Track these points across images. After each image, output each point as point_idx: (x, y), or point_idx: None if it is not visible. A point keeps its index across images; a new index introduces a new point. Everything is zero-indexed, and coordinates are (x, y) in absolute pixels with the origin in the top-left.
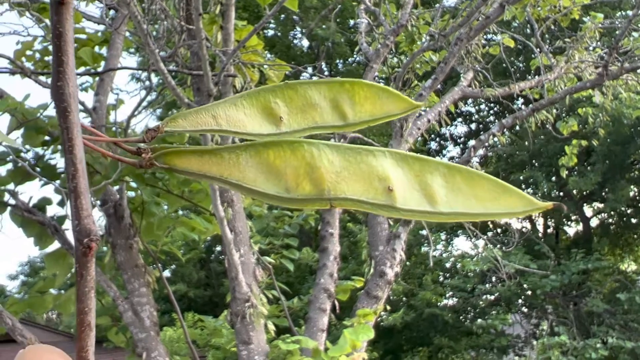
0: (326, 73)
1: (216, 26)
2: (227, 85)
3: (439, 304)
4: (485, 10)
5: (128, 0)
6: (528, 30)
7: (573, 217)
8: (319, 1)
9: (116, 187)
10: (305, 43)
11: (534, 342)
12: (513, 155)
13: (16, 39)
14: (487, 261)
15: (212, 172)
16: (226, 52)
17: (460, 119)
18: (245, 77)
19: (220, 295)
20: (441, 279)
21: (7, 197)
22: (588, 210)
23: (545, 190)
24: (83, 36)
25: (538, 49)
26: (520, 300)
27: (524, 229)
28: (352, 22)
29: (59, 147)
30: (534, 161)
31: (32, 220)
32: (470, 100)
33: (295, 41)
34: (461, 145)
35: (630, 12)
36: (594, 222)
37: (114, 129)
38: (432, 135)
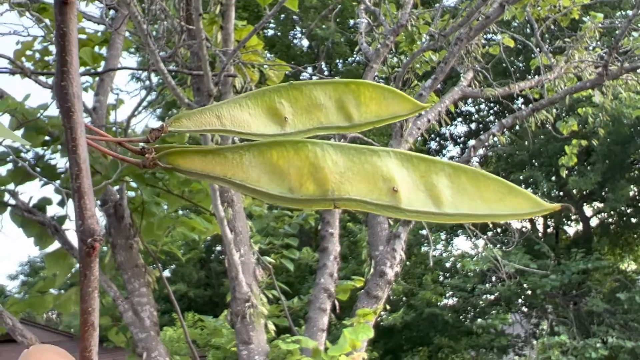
0: (326, 73)
1: (216, 26)
2: (227, 85)
3: (439, 303)
4: (485, 10)
5: (128, 1)
6: (528, 30)
7: (573, 217)
8: (319, 1)
9: (116, 187)
10: (305, 43)
11: (534, 342)
12: (513, 155)
13: (16, 39)
14: (487, 261)
15: (215, 172)
16: (226, 52)
17: (460, 119)
18: (245, 77)
19: (220, 295)
20: (441, 278)
21: (7, 197)
22: (588, 210)
23: (545, 190)
24: (83, 36)
25: (538, 49)
26: (520, 300)
27: (523, 229)
28: (352, 22)
29: (59, 147)
30: (533, 161)
31: (32, 220)
32: (470, 100)
33: (295, 41)
34: (461, 145)
35: (630, 12)
36: (594, 222)
37: (114, 129)
38: (432, 135)
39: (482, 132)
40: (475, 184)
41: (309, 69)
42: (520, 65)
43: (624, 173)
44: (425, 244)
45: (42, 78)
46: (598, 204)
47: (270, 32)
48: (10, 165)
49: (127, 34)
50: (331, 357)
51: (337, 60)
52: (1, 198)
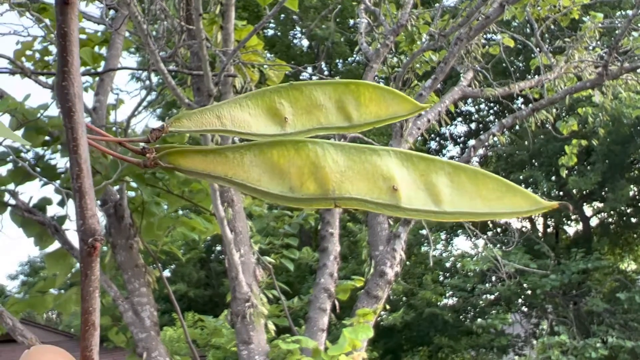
0: (326, 73)
1: (216, 26)
2: (227, 85)
3: (439, 303)
4: (485, 10)
5: (128, 1)
6: (528, 30)
7: (573, 217)
8: (319, 1)
9: (116, 187)
10: (305, 43)
11: (534, 342)
12: (513, 155)
13: (16, 39)
14: (487, 261)
15: (216, 171)
16: (226, 52)
17: (460, 119)
18: (245, 77)
19: (220, 294)
20: (441, 278)
21: (7, 197)
22: (588, 210)
23: (545, 189)
24: (83, 36)
25: (538, 49)
26: (520, 300)
27: (523, 229)
28: (352, 21)
29: (59, 147)
30: (533, 161)
31: (33, 220)
32: (470, 100)
33: (295, 41)
34: (461, 145)
35: (630, 12)
36: (594, 222)
37: (114, 129)
38: (432, 135)
39: (482, 132)
40: (474, 182)
41: (309, 69)
42: (520, 65)
43: (624, 173)
44: (425, 244)
45: (42, 78)
46: (598, 204)
47: (270, 32)
48: (10, 165)
49: (127, 34)
50: (331, 356)
51: (337, 60)
52: (1, 198)
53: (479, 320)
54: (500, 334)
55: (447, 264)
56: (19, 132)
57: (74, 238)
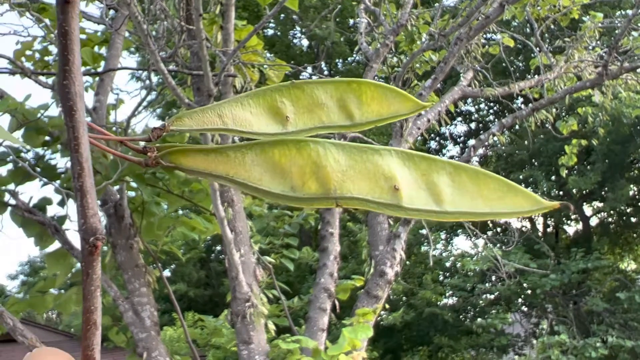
0: (326, 73)
1: (216, 26)
2: (227, 85)
3: (439, 303)
4: (485, 9)
5: (128, 1)
6: (528, 30)
7: (573, 216)
8: (319, 1)
9: (116, 187)
10: (305, 42)
11: (534, 341)
12: (513, 155)
13: (16, 39)
14: (487, 260)
15: (218, 170)
16: (226, 52)
17: (460, 119)
18: (245, 77)
19: (220, 294)
20: (441, 278)
21: (7, 197)
22: (588, 210)
23: (545, 189)
24: (83, 36)
25: (538, 49)
26: (520, 300)
27: (523, 228)
28: (351, 21)
29: (59, 147)
30: (533, 160)
31: (33, 220)
32: (469, 100)
33: (295, 41)
34: (461, 145)
35: (629, 12)
36: (594, 221)
37: (114, 128)
38: (432, 135)
39: (482, 132)
40: (475, 182)
41: (309, 69)
42: (520, 64)
43: (624, 172)
44: (425, 244)
45: (42, 78)
46: (598, 204)
47: (270, 32)
48: (10, 166)
49: (127, 34)
50: (331, 356)
51: (337, 60)
52: (1, 198)
53: (479, 319)
54: (500, 333)
55: (447, 264)
56: (19, 132)
57: (74, 238)
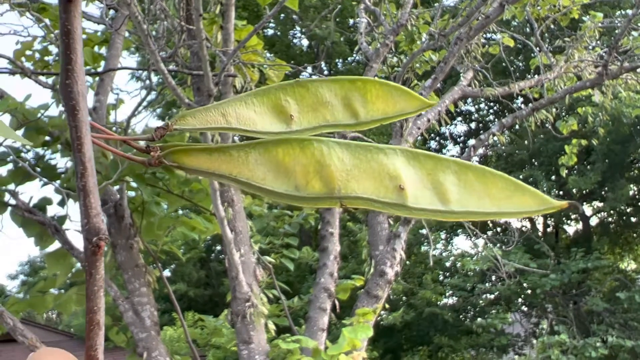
0: (326, 72)
1: (216, 26)
2: (227, 85)
3: (439, 303)
4: (485, 9)
5: (128, 1)
6: (528, 30)
7: (573, 216)
8: (319, 0)
9: (116, 187)
10: (305, 42)
11: (534, 341)
12: (513, 155)
13: (16, 39)
14: (487, 260)
15: (221, 170)
16: (226, 52)
17: (460, 118)
18: (245, 77)
19: (220, 294)
20: (441, 278)
21: (7, 197)
22: (588, 209)
23: (545, 189)
24: (83, 36)
25: (538, 48)
26: (520, 299)
27: (523, 228)
28: (351, 21)
29: (59, 147)
30: (533, 160)
31: (33, 220)
32: (469, 100)
33: (294, 40)
34: (461, 145)
35: (629, 11)
36: (594, 221)
37: (114, 128)
38: (432, 135)
39: (482, 132)
40: (482, 181)
41: (309, 69)
42: (520, 64)
43: (624, 172)
44: (425, 244)
45: (42, 78)
46: (598, 203)
47: (270, 32)
48: (10, 166)
49: (126, 34)
50: (331, 356)
51: (337, 60)
52: (1, 198)
53: (479, 319)
54: (500, 333)
55: (447, 264)
56: (19, 132)
57: (74, 238)
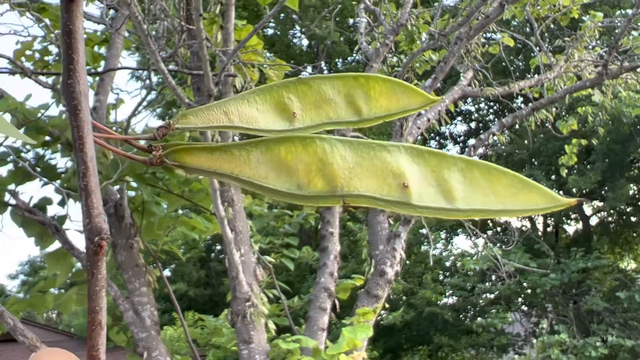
0: (325, 72)
1: (216, 26)
2: (227, 85)
3: (439, 302)
4: (484, 9)
5: (128, 1)
6: (527, 29)
7: (573, 216)
8: (319, 0)
9: (116, 187)
10: (305, 42)
11: (534, 341)
12: (513, 154)
13: (16, 39)
14: (487, 260)
15: (222, 169)
16: (226, 52)
17: (459, 118)
18: (245, 77)
19: (220, 294)
20: (441, 277)
21: (7, 197)
22: (588, 209)
23: None
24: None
25: (537, 48)
26: (520, 299)
27: (523, 228)
28: (351, 21)
29: (59, 147)
30: (533, 160)
31: (33, 220)
32: (469, 99)
33: (294, 40)
34: (461, 144)
35: (629, 11)
36: (594, 221)
37: (114, 128)
38: (432, 134)
39: (481, 131)
40: (488, 178)
41: (309, 69)
42: (520, 64)
43: (624, 172)
44: (425, 243)
45: (42, 78)
46: (598, 203)
47: (270, 32)
48: (10, 166)
49: (126, 33)
50: (331, 356)
51: (337, 60)
52: (2, 198)
53: (479, 319)
54: (500, 333)
55: (447, 263)
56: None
57: (74, 238)
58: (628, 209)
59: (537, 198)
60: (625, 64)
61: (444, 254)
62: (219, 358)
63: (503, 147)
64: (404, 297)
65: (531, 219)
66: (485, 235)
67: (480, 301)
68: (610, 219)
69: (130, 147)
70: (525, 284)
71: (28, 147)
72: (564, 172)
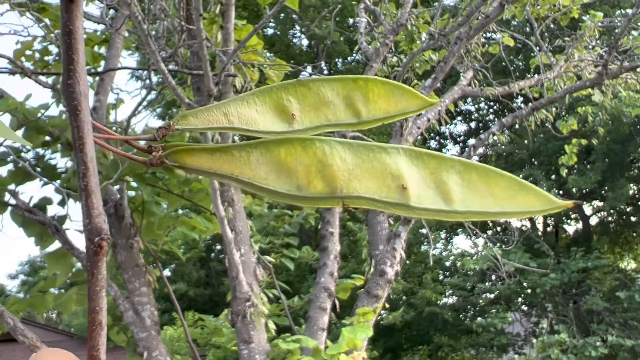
0: (325, 72)
1: (216, 26)
2: (227, 85)
3: (438, 302)
4: (484, 9)
5: (128, 1)
6: (527, 29)
7: (573, 216)
8: (319, 0)
9: (116, 187)
10: (305, 42)
11: (534, 341)
12: (512, 154)
13: (16, 39)
14: (487, 260)
15: (222, 170)
16: (226, 52)
17: (459, 118)
18: (245, 77)
19: (220, 294)
20: (441, 277)
21: (7, 197)
22: (588, 209)
23: (544, 188)
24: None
25: (537, 48)
26: (520, 299)
27: (523, 228)
28: (351, 21)
29: (59, 147)
30: (533, 160)
31: (33, 220)
32: (469, 99)
33: (294, 40)
34: (461, 144)
35: (629, 11)
36: (594, 221)
37: (114, 128)
38: (432, 134)
39: (481, 131)
40: (486, 180)
41: (309, 69)
42: (520, 64)
43: (624, 172)
44: (425, 243)
45: (42, 78)
46: (598, 203)
47: (270, 32)
48: (10, 166)
49: (126, 33)
50: (331, 356)
51: (337, 60)
52: (2, 198)
53: (479, 319)
54: (500, 332)
55: (447, 263)
56: (19, 132)
57: (74, 238)
58: (628, 209)
59: (534, 200)
60: (625, 63)
61: (444, 253)
62: (219, 358)
63: (503, 147)
64: (404, 297)
65: (531, 219)
66: (485, 235)
67: (480, 301)
68: (610, 218)
69: (130, 147)
70: (525, 284)
71: (28, 147)
72: (564, 172)
